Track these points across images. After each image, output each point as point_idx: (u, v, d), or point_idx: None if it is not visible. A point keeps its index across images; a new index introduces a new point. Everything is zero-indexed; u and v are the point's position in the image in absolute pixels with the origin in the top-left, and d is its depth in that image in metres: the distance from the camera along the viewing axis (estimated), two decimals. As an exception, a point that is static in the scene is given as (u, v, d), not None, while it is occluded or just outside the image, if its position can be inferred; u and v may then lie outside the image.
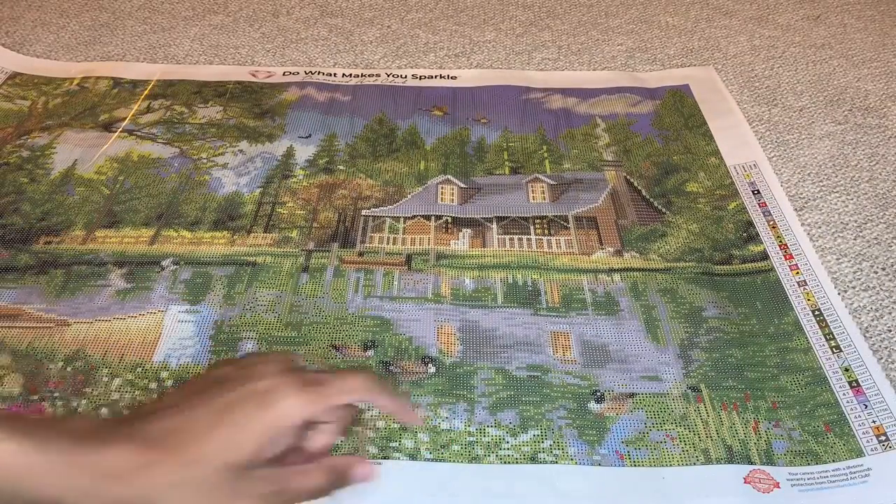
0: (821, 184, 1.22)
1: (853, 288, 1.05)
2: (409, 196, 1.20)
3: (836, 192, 1.20)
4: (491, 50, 1.54)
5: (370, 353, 0.96)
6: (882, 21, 1.63)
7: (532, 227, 1.15)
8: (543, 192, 1.20)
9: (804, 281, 1.05)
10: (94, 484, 0.56)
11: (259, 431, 0.60)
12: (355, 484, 0.67)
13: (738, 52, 1.54)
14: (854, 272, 1.08)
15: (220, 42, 1.55)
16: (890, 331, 0.99)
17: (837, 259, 1.09)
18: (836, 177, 1.23)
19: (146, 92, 1.40)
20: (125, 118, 1.33)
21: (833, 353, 0.96)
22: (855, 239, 1.12)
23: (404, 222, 1.15)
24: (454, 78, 1.46)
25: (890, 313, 1.02)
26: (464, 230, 1.14)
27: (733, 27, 1.62)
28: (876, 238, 1.13)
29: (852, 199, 1.19)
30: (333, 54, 1.52)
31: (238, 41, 1.55)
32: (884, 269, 1.08)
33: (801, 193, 1.20)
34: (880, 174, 1.23)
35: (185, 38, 1.55)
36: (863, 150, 1.28)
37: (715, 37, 1.59)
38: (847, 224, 1.15)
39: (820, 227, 1.14)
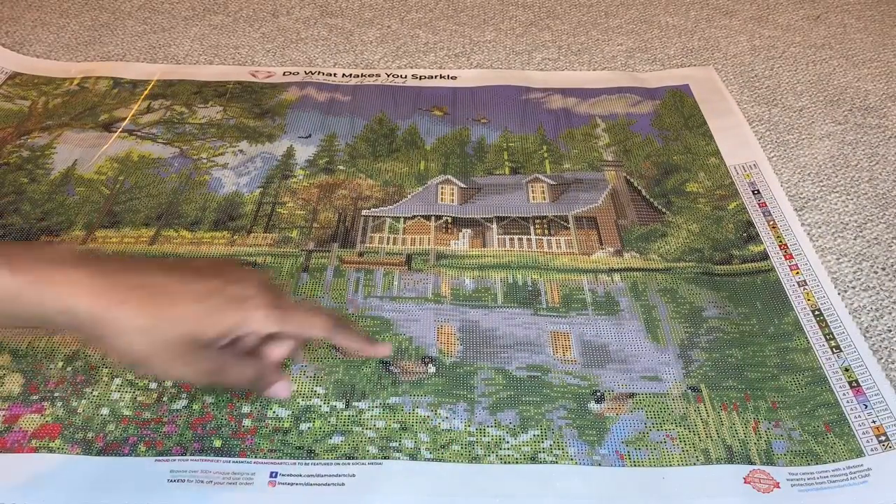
0: (821, 184, 1.22)
1: (853, 288, 1.05)
2: (409, 196, 1.20)
3: (836, 192, 1.20)
4: (491, 50, 1.54)
5: (370, 352, 0.97)
6: (882, 21, 1.63)
7: (532, 228, 1.14)
8: (543, 192, 1.20)
9: (804, 281, 1.05)
10: (63, 301, 0.67)
11: (224, 325, 0.72)
12: (271, 395, 0.80)
13: (738, 52, 1.54)
14: (854, 272, 1.08)
15: (220, 42, 1.55)
16: (890, 331, 0.99)
17: (837, 259, 1.09)
18: (836, 177, 1.23)
19: (146, 92, 1.39)
20: (125, 118, 1.32)
21: (833, 353, 0.96)
22: (855, 239, 1.12)
23: (404, 222, 1.15)
24: (454, 78, 1.46)
25: (890, 313, 1.02)
26: (464, 230, 1.14)
27: (733, 27, 1.62)
28: (876, 238, 1.13)
29: (852, 199, 1.19)
30: (333, 54, 1.52)
31: (238, 41, 1.55)
32: (884, 269, 1.08)
33: (801, 193, 1.20)
34: (880, 174, 1.23)
35: (185, 38, 1.55)
36: (863, 150, 1.28)
37: (715, 37, 1.59)
38: (847, 224, 1.15)
39: (820, 227, 1.14)
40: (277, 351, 0.80)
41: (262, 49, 1.53)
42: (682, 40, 1.58)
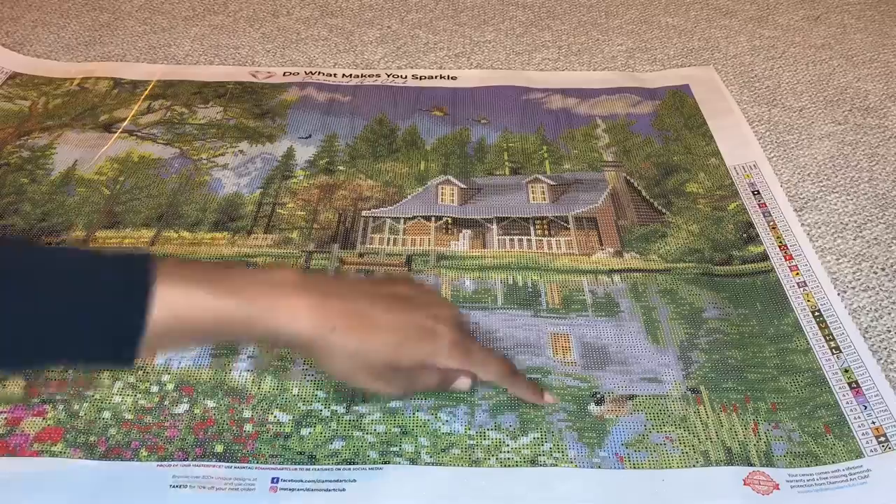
0: (821, 184, 1.22)
1: (853, 288, 1.05)
2: (409, 197, 1.20)
3: (836, 192, 1.20)
4: (491, 50, 1.55)
5: (370, 354, 0.96)
6: (882, 21, 1.63)
7: (532, 228, 1.14)
8: (543, 193, 1.20)
9: (804, 282, 1.05)
10: (287, 326, 0.74)
11: (416, 357, 0.80)
12: (455, 389, 0.89)
13: (738, 52, 1.54)
14: (854, 272, 1.08)
15: (220, 42, 1.55)
16: (889, 331, 0.99)
17: (837, 259, 1.09)
18: (836, 177, 1.23)
19: (146, 92, 1.39)
20: (125, 118, 1.32)
21: (833, 353, 0.96)
22: (855, 239, 1.12)
23: (404, 223, 1.15)
24: (454, 78, 1.46)
25: (889, 314, 1.02)
26: (464, 231, 1.14)
27: (733, 27, 1.62)
28: (876, 238, 1.13)
29: (852, 200, 1.19)
30: (333, 54, 1.52)
31: (238, 41, 1.55)
32: (883, 269, 1.08)
33: (801, 193, 1.20)
34: (880, 174, 1.23)
35: (185, 39, 1.55)
36: (863, 151, 1.28)
37: (715, 37, 1.59)
38: (847, 224, 1.15)
39: (820, 228, 1.14)
40: (456, 380, 0.89)
41: (263, 49, 1.53)
42: (682, 40, 1.58)
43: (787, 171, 1.24)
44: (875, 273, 1.08)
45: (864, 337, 0.98)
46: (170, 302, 0.68)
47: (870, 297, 1.04)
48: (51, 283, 0.66)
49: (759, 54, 1.54)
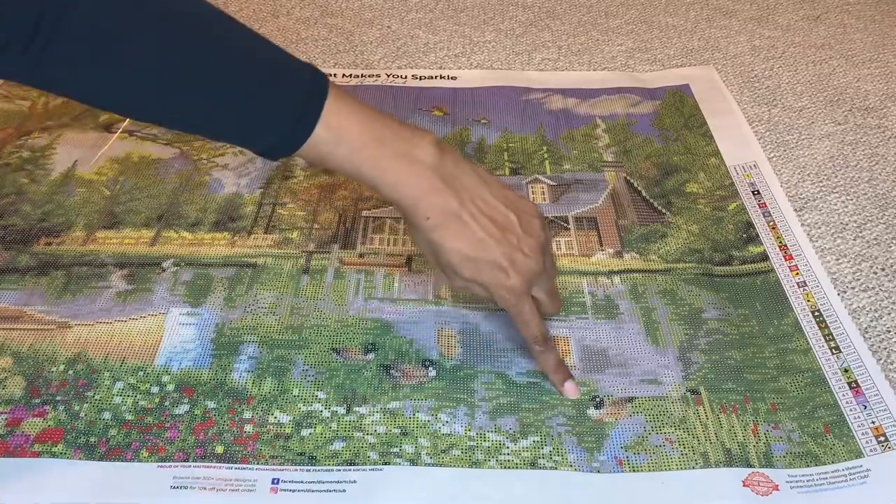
0: (821, 184, 1.22)
1: (853, 289, 1.06)
2: (409, 197, 1.19)
3: (836, 192, 1.20)
4: (491, 50, 1.55)
5: (371, 356, 0.96)
6: (882, 21, 1.64)
7: (532, 229, 1.14)
8: (543, 193, 1.20)
9: (804, 282, 1.05)
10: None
11: (479, 286, 0.88)
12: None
13: (738, 52, 1.54)
14: (854, 273, 1.08)
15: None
16: (889, 331, 1.00)
17: (837, 259, 1.10)
18: (836, 177, 1.23)
19: (147, 93, 1.38)
20: (125, 119, 1.32)
21: (832, 353, 0.96)
22: (855, 239, 1.13)
23: (405, 223, 1.14)
24: (454, 78, 1.46)
25: (889, 314, 1.02)
26: (464, 231, 1.14)
27: (733, 27, 1.62)
28: (876, 238, 1.13)
29: (852, 200, 1.19)
30: (333, 54, 1.53)
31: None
32: (883, 269, 1.08)
33: (801, 194, 1.20)
34: (880, 174, 1.24)
35: None
36: (863, 151, 1.28)
37: (715, 37, 1.59)
38: (847, 224, 1.15)
39: (820, 228, 1.14)
40: None
41: None
42: (682, 40, 1.58)
43: (787, 171, 1.24)
44: (875, 273, 1.08)
45: (864, 337, 0.99)
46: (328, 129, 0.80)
47: (870, 297, 1.05)
48: None
49: (759, 54, 1.54)
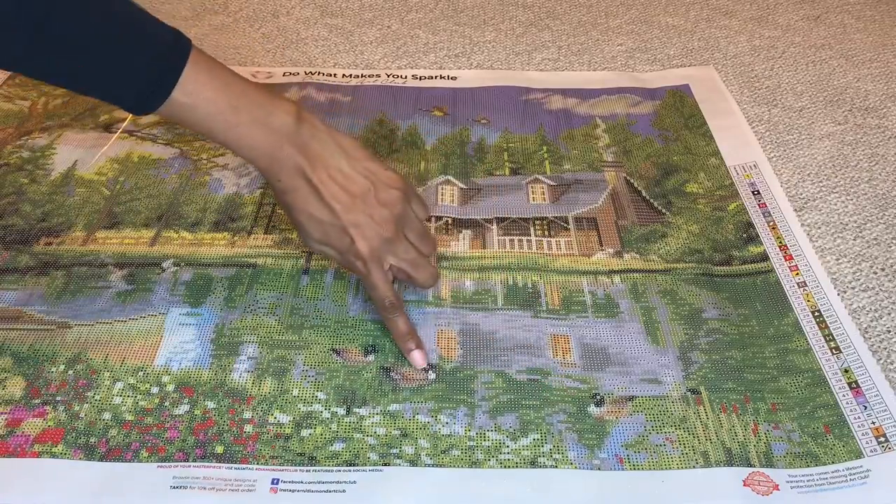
0: (821, 184, 1.22)
1: (853, 289, 1.05)
2: (408, 197, 1.19)
3: (836, 192, 1.20)
4: (491, 50, 1.54)
5: (371, 357, 0.96)
6: (882, 21, 1.63)
7: (532, 229, 1.14)
8: (543, 193, 1.20)
9: (804, 282, 1.05)
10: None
11: (338, 252, 0.94)
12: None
13: (738, 52, 1.54)
14: (854, 273, 1.08)
15: (220, 42, 1.54)
16: (889, 331, 1.00)
17: (837, 259, 1.10)
18: (836, 177, 1.23)
19: (147, 93, 1.38)
20: (125, 119, 1.32)
21: (833, 354, 0.96)
22: (855, 239, 1.12)
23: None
24: (454, 78, 1.45)
25: (889, 314, 1.02)
26: (464, 231, 1.14)
27: (733, 27, 1.62)
28: (876, 238, 1.13)
29: (852, 200, 1.19)
30: (333, 54, 1.52)
31: (238, 41, 1.55)
32: (883, 269, 1.08)
33: (801, 193, 1.20)
34: (880, 174, 1.23)
35: None
36: (863, 151, 1.28)
37: (715, 37, 1.59)
38: (847, 224, 1.15)
39: (820, 228, 1.14)
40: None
41: (263, 49, 1.53)
42: (682, 40, 1.58)
43: (787, 171, 1.24)
44: (875, 273, 1.08)
45: (864, 337, 0.98)
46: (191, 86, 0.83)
47: (870, 297, 1.05)
48: None
49: (759, 54, 1.54)
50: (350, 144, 0.93)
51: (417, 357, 0.94)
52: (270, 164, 0.89)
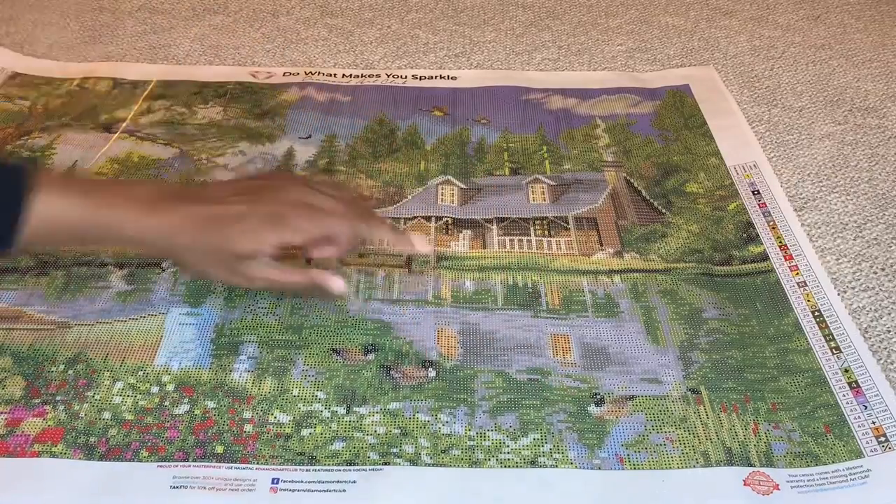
0: (821, 184, 1.21)
1: (853, 288, 1.05)
2: (409, 197, 1.19)
3: (836, 192, 1.20)
4: (491, 50, 1.54)
5: (371, 356, 0.96)
6: (882, 21, 1.63)
7: (532, 229, 1.14)
8: (543, 193, 1.20)
9: (804, 282, 1.05)
10: (138, 227, 0.84)
11: (269, 241, 0.87)
12: (328, 292, 0.95)
13: (738, 52, 1.53)
14: (854, 272, 1.07)
15: (220, 42, 1.54)
16: (889, 331, 0.99)
17: (837, 259, 1.09)
18: (836, 177, 1.23)
19: (146, 92, 1.38)
20: (125, 119, 1.31)
21: (833, 354, 0.96)
22: (855, 239, 1.12)
23: (405, 223, 1.14)
24: (454, 78, 1.45)
25: (889, 314, 1.02)
26: (464, 231, 1.13)
27: (733, 27, 1.61)
28: (876, 238, 1.12)
29: (852, 200, 1.18)
30: (333, 54, 1.52)
31: (238, 41, 1.54)
32: (883, 269, 1.08)
33: (801, 193, 1.19)
34: (880, 174, 1.23)
35: (185, 39, 1.55)
36: (863, 151, 1.28)
37: (715, 37, 1.58)
38: (847, 224, 1.14)
39: (820, 228, 1.14)
40: (327, 251, 0.95)
41: (263, 49, 1.52)
42: (682, 40, 1.57)
43: (787, 171, 1.24)
44: (875, 273, 1.07)
45: (864, 337, 0.98)
46: (47, 205, 0.80)
47: (870, 297, 1.04)
48: None
49: (759, 54, 1.53)
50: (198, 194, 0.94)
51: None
52: (143, 233, 0.87)
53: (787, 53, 1.54)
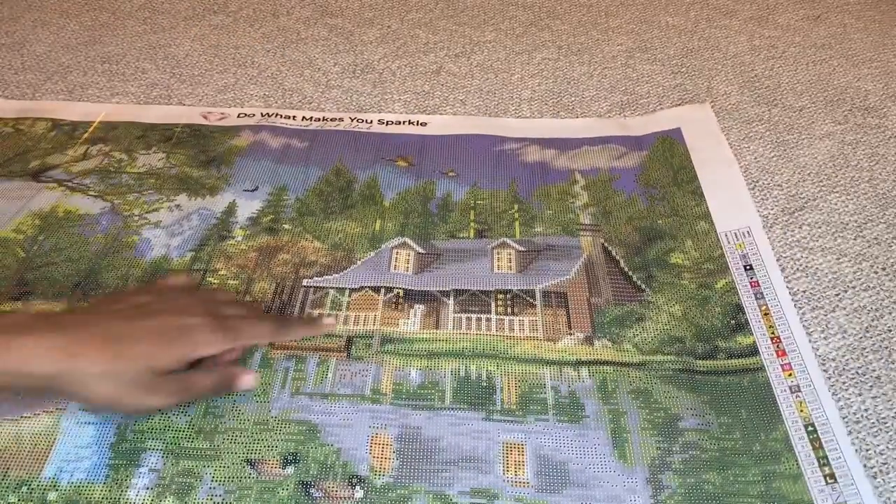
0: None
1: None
2: (358, 263, 0.89)
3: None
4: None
5: (290, 469, 0.69)
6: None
7: (493, 304, 0.84)
8: (510, 260, 0.89)
9: (797, 385, 0.76)
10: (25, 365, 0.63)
11: (179, 354, 0.69)
12: (240, 389, 0.74)
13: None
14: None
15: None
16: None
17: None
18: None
19: (86, 135, 1.07)
20: (58, 165, 1.01)
21: (827, 483, 0.69)
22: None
23: (349, 295, 0.85)
24: (424, 124, 1.12)
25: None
26: (416, 306, 0.84)
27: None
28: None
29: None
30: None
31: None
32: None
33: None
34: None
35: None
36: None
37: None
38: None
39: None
40: (231, 355, 0.76)
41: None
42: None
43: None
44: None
45: (865, 466, 0.71)
46: None
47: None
48: None
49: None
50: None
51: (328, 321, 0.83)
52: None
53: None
